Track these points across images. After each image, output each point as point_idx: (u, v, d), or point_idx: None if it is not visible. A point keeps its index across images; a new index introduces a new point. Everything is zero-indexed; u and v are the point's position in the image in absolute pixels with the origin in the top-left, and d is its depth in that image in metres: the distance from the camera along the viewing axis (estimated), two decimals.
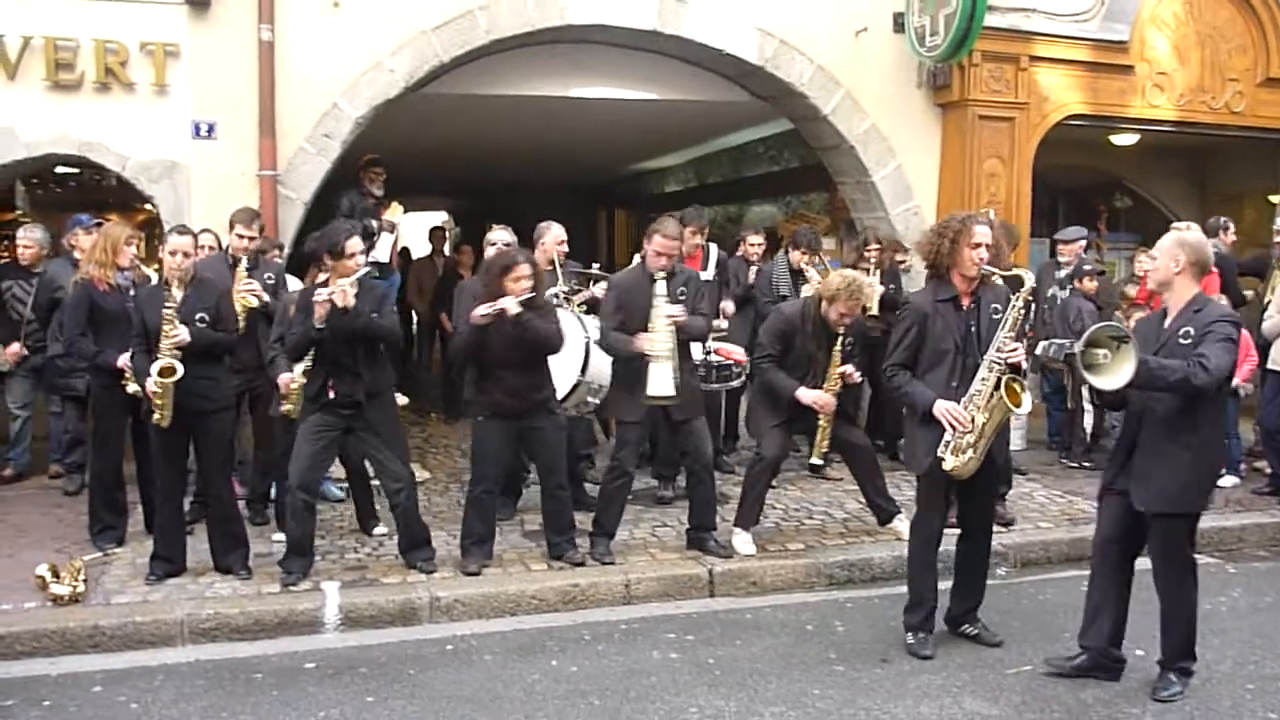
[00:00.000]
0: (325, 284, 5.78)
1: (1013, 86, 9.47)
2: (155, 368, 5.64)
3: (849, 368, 6.43)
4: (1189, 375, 4.38)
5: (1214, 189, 12.89)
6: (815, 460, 6.78)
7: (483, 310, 5.85)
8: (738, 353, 7.50)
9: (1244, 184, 12.35)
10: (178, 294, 5.78)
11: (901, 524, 6.69)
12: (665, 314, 6.15)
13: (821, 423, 6.47)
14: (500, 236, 7.07)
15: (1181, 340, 4.54)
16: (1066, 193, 12.96)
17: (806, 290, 7.53)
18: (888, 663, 5.16)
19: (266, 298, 6.79)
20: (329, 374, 5.87)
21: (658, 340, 6.14)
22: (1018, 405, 4.98)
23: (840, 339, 6.42)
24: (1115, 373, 4.35)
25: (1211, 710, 4.61)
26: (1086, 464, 8.62)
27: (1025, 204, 9.60)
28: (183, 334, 5.70)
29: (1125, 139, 11.26)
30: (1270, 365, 7.82)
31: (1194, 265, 4.64)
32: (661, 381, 6.15)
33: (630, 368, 6.28)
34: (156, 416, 5.73)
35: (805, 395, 6.35)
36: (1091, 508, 7.48)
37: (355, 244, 5.89)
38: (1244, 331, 7.52)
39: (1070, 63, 9.67)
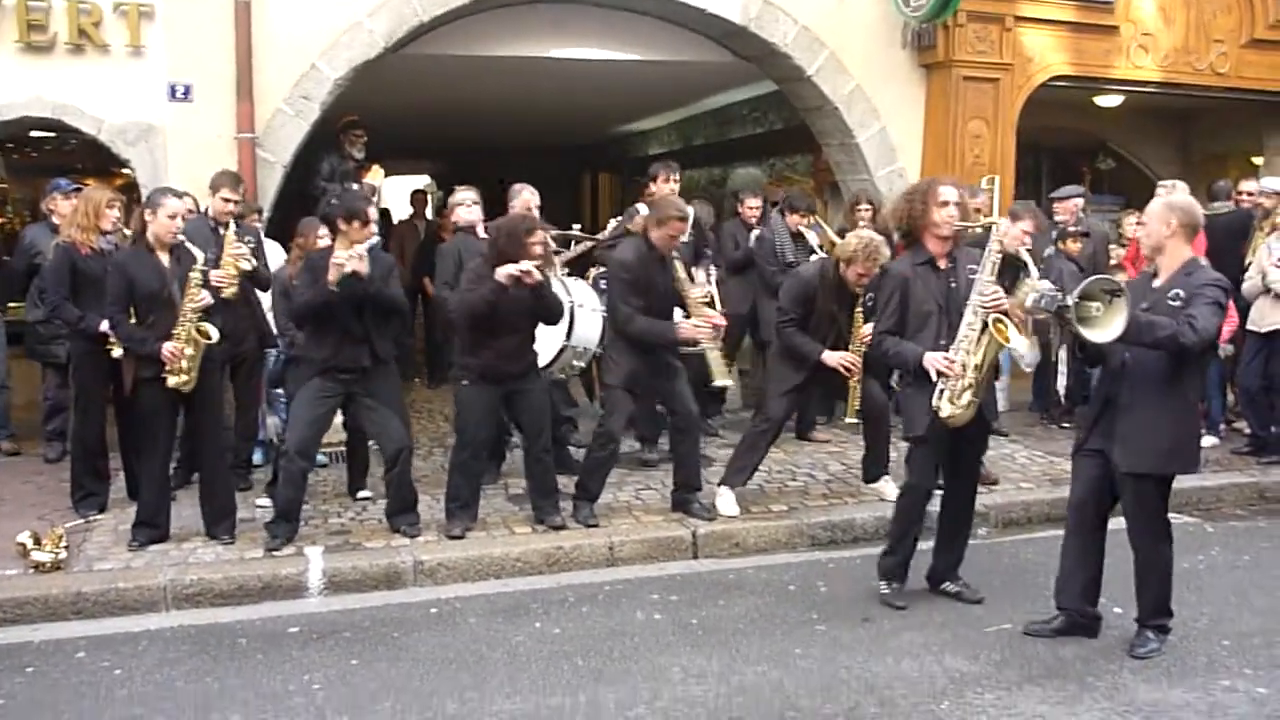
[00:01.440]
0: (330, 248, 5.78)
1: (997, 47, 9.45)
2: (189, 331, 5.65)
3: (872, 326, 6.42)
4: (1177, 333, 4.39)
5: (1198, 150, 12.90)
6: (850, 418, 6.80)
7: (510, 269, 5.79)
8: (717, 318, 7.49)
9: (1227, 145, 12.38)
10: (165, 258, 5.74)
11: (886, 485, 6.74)
12: (699, 295, 6.38)
13: (852, 383, 6.50)
14: (467, 196, 7.05)
15: (1171, 301, 4.55)
16: (1051, 154, 12.96)
17: (814, 249, 7.66)
18: (869, 622, 5.20)
19: (254, 262, 6.74)
20: (333, 340, 5.86)
21: (704, 328, 6.26)
22: (1007, 340, 5.00)
23: (860, 299, 6.44)
24: (1106, 326, 4.36)
25: (1188, 666, 4.66)
26: (1066, 424, 8.66)
27: (1009, 165, 9.59)
28: (207, 297, 5.74)
29: (1109, 100, 11.26)
30: (1250, 326, 7.85)
31: (1185, 227, 4.65)
32: (721, 368, 6.42)
33: (632, 338, 6.25)
34: (179, 380, 5.70)
35: (830, 358, 6.36)
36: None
37: (374, 213, 5.91)
38: None
39: (1055, 23, 9.64)
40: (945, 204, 5.12)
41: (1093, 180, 13.43)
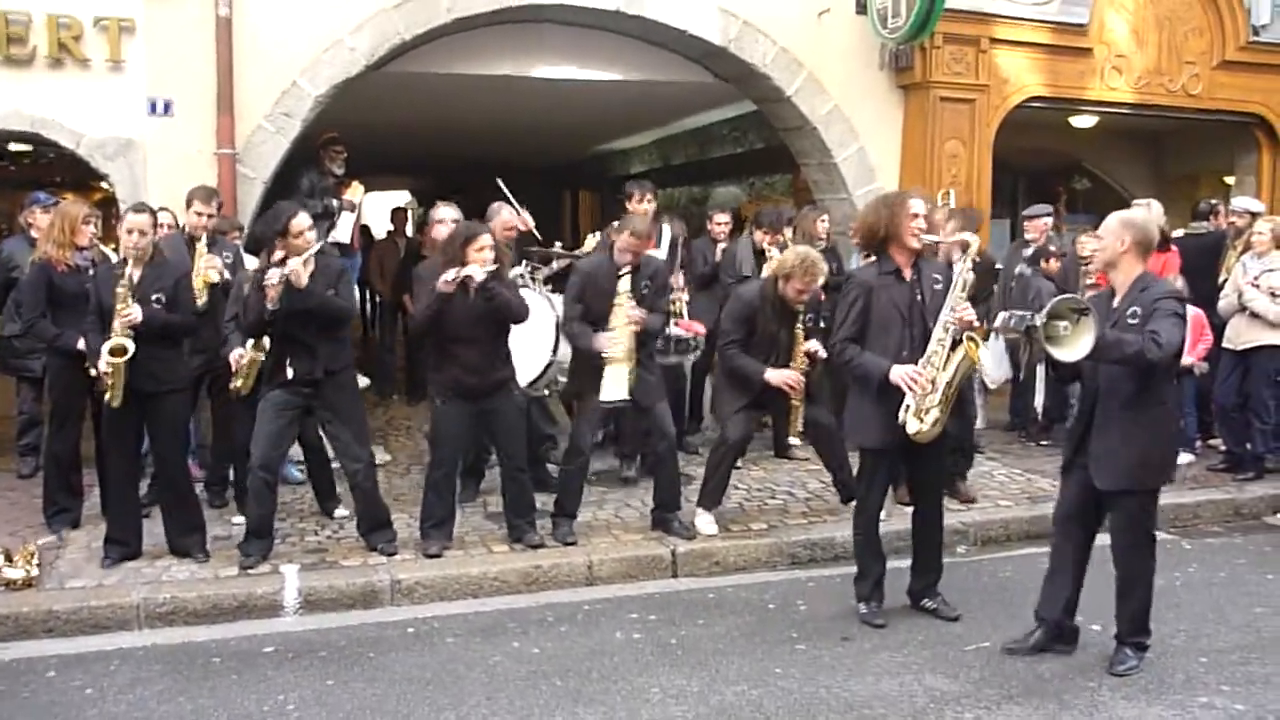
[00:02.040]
0: (282, 262, 5.70)
1: (973, 68, 9.51)
2: (106, 347, 5.54)
3: (813, 344, 6.41)
4: (1143, 350, 4.43)
5: (1171, 170, 13.03)
6: (793, 439, 6.74)
7: (448, 275, 5.77)
8: (696, 325, 7.50)
9: (1200, 165, 12.51)
10: (134, 273, 5.69)
11: None
12: (626, 317, 6.17)
13: (795, 401, 6.46)
14: (448, 214, 7.04)
15: (1130, 320, 4.59)
16: (1026, 174, 13.05)
17: (766, 270, 7.54)
18: (849, 640, 5.19)
19: (228, 274, 6.70)
20: (285, 352, 5.81)
21: (616, 342, 6.15)
22: (978, 361, 5.03)
23: (800, 316, 6.42)
24: (1074, 345, 4.39)
25: (1166, 683, 4.67)
26: (1044, 442, 8.70)
27: (986, 185, 9.65)
28: (135, 313, 5.60)
29: (1084, 121, 11.35)
30: (1225, 344, 7.91)
31: (1138, 245, 4.70)
32: (616, 385, 6.18)
33: (589, 354, 6.26)
34: (108, 396, 5.64)
35: (774, 376, 6.31)
36: (1051, 486, 7.59)
37: (300, 221, 5.77)
38: (1200, 311, 7.65)
39: (1030, 45, 9.72)
40: (915, 216, 5.15)
41: (1068, 200, 13.55)
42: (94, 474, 6.64)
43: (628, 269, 6.23)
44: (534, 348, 6.46)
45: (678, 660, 4.98)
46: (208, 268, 6.55)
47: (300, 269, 5.63)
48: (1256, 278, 7.72)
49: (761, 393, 6.39)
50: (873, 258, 5.38)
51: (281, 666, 4.93)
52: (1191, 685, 4.66)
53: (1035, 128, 10.81)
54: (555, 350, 6.73)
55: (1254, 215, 8.49)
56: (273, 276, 5.61)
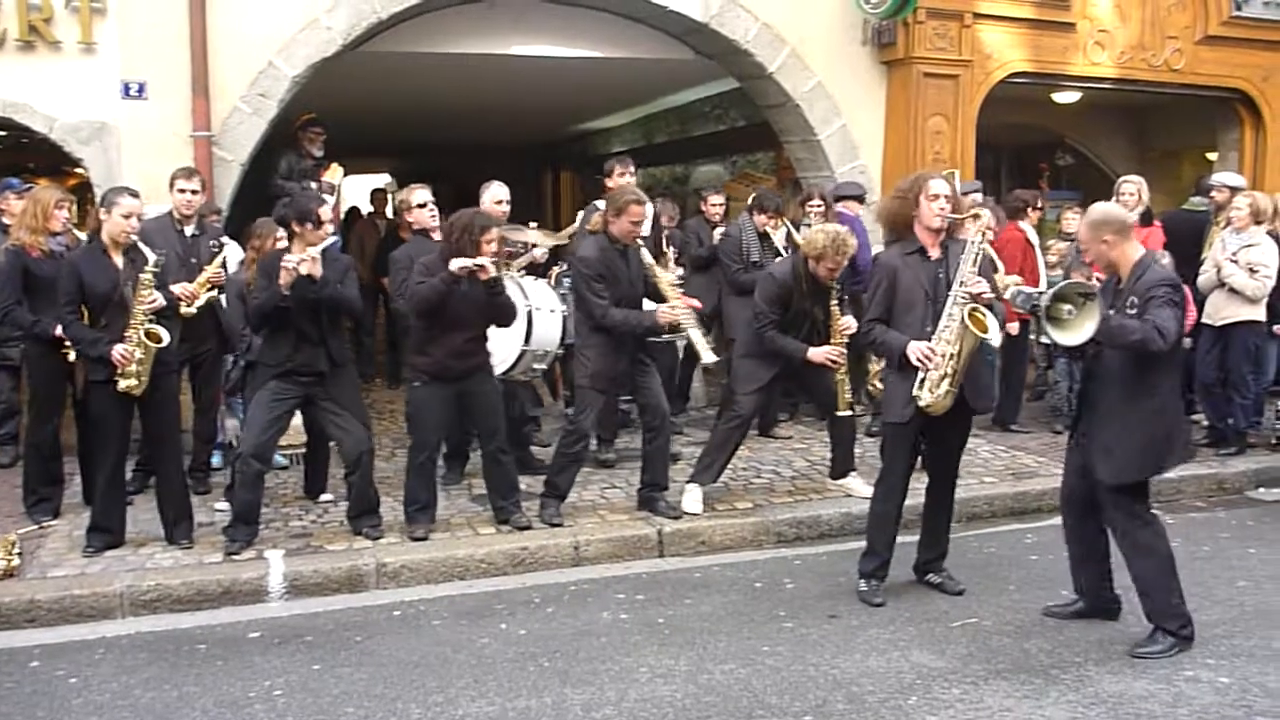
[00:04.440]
0: (287, 250, 5.68)
1: (957, 44, 9.47)
2: (139, 334, 5.52)
3: (849, 319, 6.42)
4: (1147, 339, 4.45)
5: (1154, 146, 13.05)
6: (842, 412, 6.72)
7: (464, 262, 5.73)
8: (692, 301, 7.47)
9: (1183, 141, 12.52)
10: (117, 258, 5.63)
11: (855, 481, 6.75)
12: (670, 281, 6.31)
13: (840, 375, 6.48)
14: (427, 197, 6.98)
15: (1129, 310, 4.60)
16: (1010, 150, 13.04)
17: (779, 249, 7.75)
18: (836, 618, 5.20)
19: (224, 279, 6.70)
20: (289, 342, 5.78)
21: (680, 309, 6.22)
22: (984, 331, 5.03)
23: (835, 292, 6.45)
24: (1078, 329, 4.43)
25: (1137, 658, 4.68)
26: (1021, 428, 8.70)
27: (969, 162, 9.62)
28: (159, 299, 5.61)
29: (1067, 97, 11.34)
30: (1205, 319, 7.93)
31: (1119, 233, 4.73)
32: (706, 347, 6.36)
33: (603, 334, 6.19)
34: (130, 384, 5.58)
35: (816, 353, 6.35)
36: (1035, 462, 7.66)
37: (327, 213, 5.83)
38: (1187, 288, 7.65)
39: (1013, 20, 9.68)
40: (936, 197, 5.15)
41: (1052, 176, 13.55)
42: (75, 462, 6.58)
43: (640, 243, 6.26)
44: (507, 337, 6.42)
45: (665, 640, 4.98)
46: (211, 280, 6.55)
47: (318, 258, 5.63)
48: (1235, 253, 7.73)
49: (785, 369, 6.44)
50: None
51: (267, 652, 4.91)
52: (1176, 660, 4.67)
53: (1018, 104, 10.80)
54: (528, 339, 6.68)
55: (1234, 190, 8.48)
56: (289, 261, 5.59)
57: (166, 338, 5.62)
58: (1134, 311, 4.57)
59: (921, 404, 5.10)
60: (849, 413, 6.69)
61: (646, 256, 6.29)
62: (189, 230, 6.76)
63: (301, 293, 5.65)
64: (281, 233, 6.31)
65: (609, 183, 7.65)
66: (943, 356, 5.05)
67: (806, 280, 6.39)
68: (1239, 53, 10.49)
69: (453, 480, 7.03)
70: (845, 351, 6.44)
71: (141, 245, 5.62)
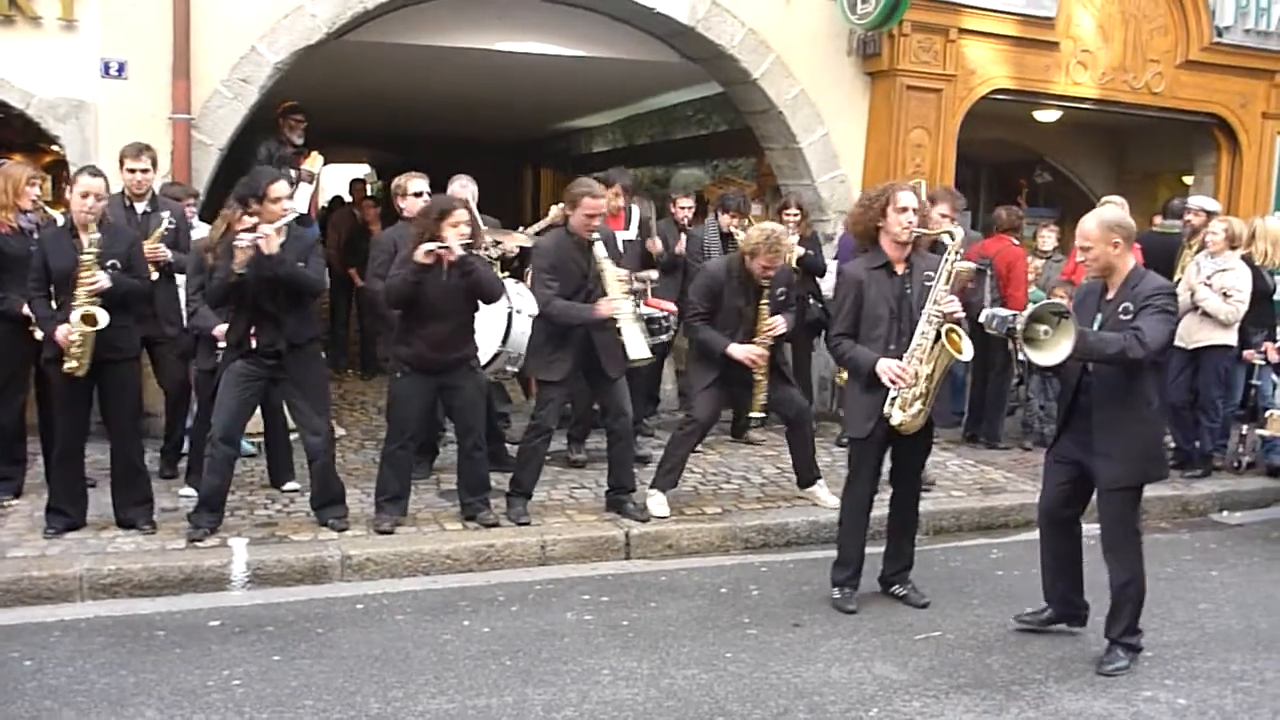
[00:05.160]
0: (252, 229, 5.60)
1: (941, 58, 9.50)
2: (77, 315, 5.42)
3: (778, 319, 6.42)
4: (1125, 348, 4.47)
5: (1131, 167, 13.14)
6: (756, 414, 6.73)
7: (428, 246, 5.69)
8: (666, 304, 7.48)
9: (1160, 164, 12.62)
10: (87, 239, 5.56)
11: (821, 490, 6.76)
12: (617, 275, 6.18)
13: (757, 376, 6.47)
14: (424, 186, 6.93)
15: (1122, 316, 4.62)
16: (989, 166, 13.10)
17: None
18: (800, 627, 5.20)
19: (169, 255, 6.58)
20: (250, 322, 5.71)
21: (620, 304, 6.14)
22: (960, 352, 5.05)
23: (768, 291, 6.42)
24: (1055, 348, 4.44)
25: (1109, 677, 4.71)
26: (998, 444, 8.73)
27: (949, 176, 9.66)
28: (102, 280, 5.50)
29: (1048, 115, 11.40)
30: (1177, 342, 7.96)
31: (1127, 240, 4.74)
32: (638, 343, 6.23)
33: (555, 329, 6.20)
34: (72, 365, 5.51)
35: (736, 350, 6.33)
36: (1004, 477, 7.69)
37: (280, 188, 5.71)
38: None
39: (998, 36, 9.73)
40: (904, 210, 5.14)
41: (1029, 193, 13.62)
42: (38, 443, 6.49)
43: (597, 236, 6.20)
44: (484, 336, 6.39)
45: (629, 642, 4.97)
46: (154, 254, 6.41)
47: (273, 235, 5.54)
48: (1209, 277, 7.79)
49: (727, 368, 6.39)
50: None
51: (227, 641, 4.86)
52: (1136, 680, 4.70)
53: (999, 120, 10.85)
54: (505, 340, 6.65)
55: (1210, 215, 8.56)
56: (243, 240, 5.51)
57: (104, 320, 5.47)
58: (1128, 317, 4.59)
59: (894, 423, 5.12)
60: (761, 415, 6.70)
61: (600, 251, 6.21)
62: (140, 207, 6.68)
63: (259, 270, 5.57)
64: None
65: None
66: (915, 376, 5.06)
67: (740, 277, 6.39)
68: (1218, 79, 10.58)
69: (421, 474, 6.98)
70: (767, 353, 6.42)
71: (93, 225, 5.52)
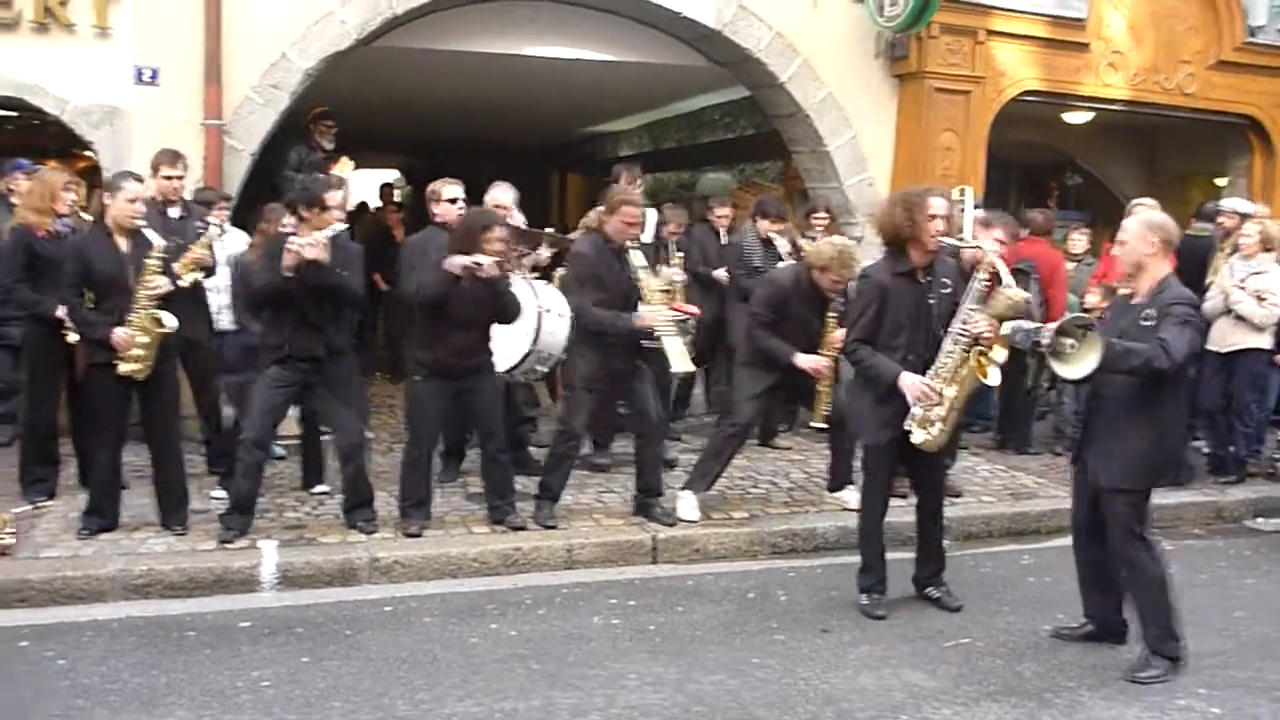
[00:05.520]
0: (293, 234, 5.66)
1: (970, 60, 9.46)
2: (144, 320, 5.54)
3: (842, 333, 6.40)
4: (1151, 359, 4.43)
5: (1162, 170, 13.01)
6: (817, 423, 6.73)
7: (463, 260, 5.72)
8: (690, 307, 7.47)
9: (1192, 165, 12.49)
10: (122, 243, 5.63)
11: (850, 494, 6.73)
12: (660, 285, 6.21)
13: (821, 387, 6.48)
14: (459, 193, 6.93)
15: (1143, 322, 4.58)
16: (1019, 168, 13.02)
17: (781, 255, 7.72)
18: (828, 633, 5.18)
19: (213, 260, 6.64)
20: (290, 328, 5.76)
21: (661, 314, 6.15)
22: (985, 376, 5.02)
23: (832, 304, 6.42)
24: (1081, 361, 4.41)
25: (1144, 685, 4.66)
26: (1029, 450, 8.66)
27: (979, 179, 9.61)
28: (163, 284, 5.61)
29: (1078, 117, 11.32)
30: (1210, 346, 7.89)
31: (1165, 244, 4.69)
32: (680, 355, 6.25)
33: (584, 335, 6.20)
34: (133, 368, 5.59)
35: (803, 360, 6.32)
36: (1034, 483, 7.63)
37: (335, 197, 5.80)
38: None
39: (1027, 38, 9.68)
40: (934, 218, 5.07)
41: (1060, 196, 13.53)
42: (71, 444, 6.56)
43: (635, 245, 6.20)
44: (515, 335, 6.40)
45: (655, 647, 4.96)
46: (200, 259, 6.47)
47: (325, 241, 5.60)
48: (1243, 280, 7.70)
49: (784, 377, 6.40)
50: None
51: (257, 642, 4.89)
52: (1170, 688, 4.65)
53: (1029, 122, 10.78)
54: (536, 340, 6.66)
55: (1243, 217, 8.46)
56: (294, 243, 5.57)
57: (173, 323, 5.61)
58: (1150, 324, 4.55)
59: (916, 442, 5.11)
60: (823, 425, 6.69)
61: (637, 259, 6.22)
62: (173, 212, 6.74)
63: (305, 277, 5.63)
64: (288, 217, 6.29)
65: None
66: (940, 395, 5.03)
67: (808, 289, 6.38)
68: (1251, 79, 10.48)
69: (448, 478, 7.01)
70: (834, 364, 6.41)
71: (146, 231, 5.62)
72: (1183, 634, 4.77)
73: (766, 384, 6.50)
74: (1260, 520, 7.49)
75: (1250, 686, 4.71)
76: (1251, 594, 5.97)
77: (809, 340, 6.43)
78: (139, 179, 5.80)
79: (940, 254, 5.23)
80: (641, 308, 6.17)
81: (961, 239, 5.40)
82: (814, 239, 7.82)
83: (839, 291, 6.39)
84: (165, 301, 5.68)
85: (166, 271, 5.71)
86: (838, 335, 6.39)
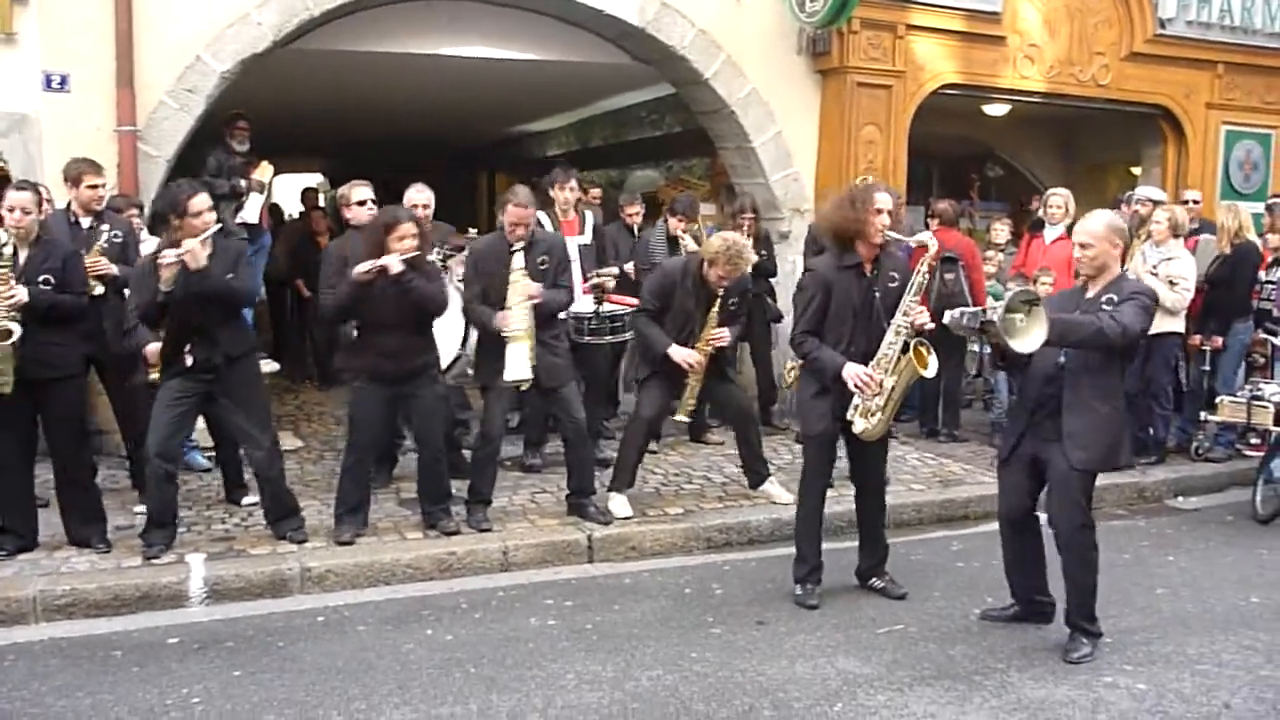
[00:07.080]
0: (176, 243, 5.50)
1: (890, 54, 9.57)
2: None
3: (724, 331, 6.41)
4: (1101, 328, 4.53)
5: (1080, 159, 13.28)
6: (681, 416, 6.72)
7: (364, 266, 5.66)
8: (630, 299, 7.46)
9: (1108, 155, 12.77)
10: (20, 253, 5.46)
11: (773, 487, 6.78)
12: (522, 293, 6.09)
13: (690, 381, 6.46)
14: (369, 195, 6.87)
15: (1105, 306, 4.69)
16: (941, 161, 13.20)
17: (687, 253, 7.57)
18: (764, 624, 5.21)
19: (115, 270, 6.45)
20: (184, 338, 5.63)
21: (514, 319, 6.08)
22: (925, 367, 5.08)
23: (721, 300, 6.41)
24: (1028, 334, 4.47)
25: (1072, 664, 4.76)
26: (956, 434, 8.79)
27: (901, 172, 9.73)
28: (20, 294, 5.39)
29: (996, 109, 11.50)
30: None
31: (1121, 244, 4.88)
32: (518, 364, 6.11)
33: (494, 337, 6.18)
34: None
35: (676, 352, 6.32)
36: (962, 470, 7.73)
37: (199, 202, 5.57)
38: None
39: (945, 32, 9.80)
40: (880, 212, 5.14)
41: (981, 187, 13.75)
42: None
43: (520, 244, 6.16)
44: (443, 339, 6.35)
45: (593, 646, 4.95)
46: (93, 266, 6.27)
47: (197, 249, 5.44)
48: (1155, 266, 7.88)
49: (664, 367, 6.39)
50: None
51: (186, 658, 4.80)
52: (1097, 666, 4.75)
53: (949, 115, 10.93)
54: (464, 343, 6.63)
55: (1156, 204, 8.67)
56: (167, 256, 5.42)
57: (17, 333, 5.35)
58: (1110, 308, 4.66)
59: (855, 430, 5.17)
60: (685, 418, 6.71)
61: (516, 260, 6.13)
62: (85, 221, 6.57)
63: (186, 287, 5.47)
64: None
65: (551, 193, 7.64)
66: (880, 385, 5.09)
67: (695, 281, 6.38)
68: (1163, 70, 10.73)
69: (380, 483, 6.93)
70: (705, 360, 6.39)
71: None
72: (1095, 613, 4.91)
73: (649, 371, 6.50)
74: (1180, 499, 7.70)
75: (1172, 660, 4.84)
76: (1173, 571, 6.13)
77: (690, 332, 6.40)
78: (21, 187, 5.65)
79: (887, 248, 5.29)
80: (500, 310, 6.11)
81: (915, 239, 5.52)
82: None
83: (727, 287, 6.37)
84: (41, 313, 5.48)
85: (31, 281, 5.47)
86: (716, 333, 6.38)
